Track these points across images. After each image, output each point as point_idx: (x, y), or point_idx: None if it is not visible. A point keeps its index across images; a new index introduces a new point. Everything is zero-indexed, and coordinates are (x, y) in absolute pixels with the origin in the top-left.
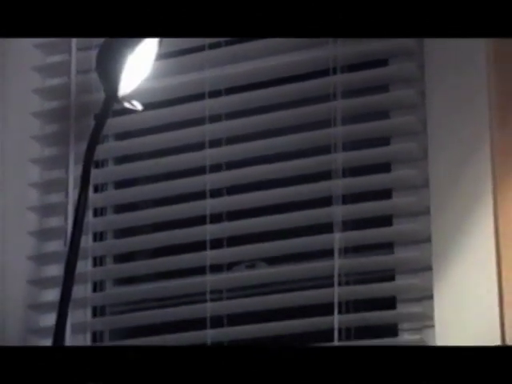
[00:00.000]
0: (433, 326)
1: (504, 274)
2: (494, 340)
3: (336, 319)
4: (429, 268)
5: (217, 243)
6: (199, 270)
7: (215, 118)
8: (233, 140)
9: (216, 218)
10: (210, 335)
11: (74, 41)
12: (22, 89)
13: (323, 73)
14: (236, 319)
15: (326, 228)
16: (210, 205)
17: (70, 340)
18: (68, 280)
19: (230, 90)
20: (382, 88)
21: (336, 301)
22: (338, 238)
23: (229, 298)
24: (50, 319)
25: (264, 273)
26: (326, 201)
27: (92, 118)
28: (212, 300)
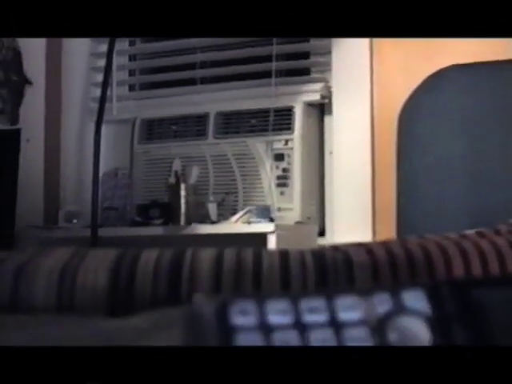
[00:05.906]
0: (331, 70)
1: (374, 67)
2: (365, 106)
3: (274, 65)
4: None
5: None
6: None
7: None
8: None
9: None
10: (198, 73)
11: None
12: None
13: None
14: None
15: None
16: None
17: (115, 75)
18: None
19: None
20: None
21: (274, 53)
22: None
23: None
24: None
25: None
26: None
27: None
28: (201, 52)
